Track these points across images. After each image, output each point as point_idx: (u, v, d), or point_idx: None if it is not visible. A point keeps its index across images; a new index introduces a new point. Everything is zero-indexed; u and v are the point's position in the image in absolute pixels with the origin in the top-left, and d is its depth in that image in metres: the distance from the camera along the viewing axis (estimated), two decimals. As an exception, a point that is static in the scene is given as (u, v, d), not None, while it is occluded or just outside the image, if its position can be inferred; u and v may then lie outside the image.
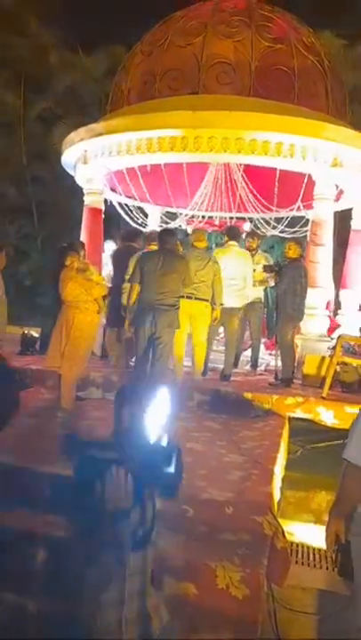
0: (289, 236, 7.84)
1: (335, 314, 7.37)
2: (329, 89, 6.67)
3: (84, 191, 7.28)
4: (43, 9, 20.15)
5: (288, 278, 5.56)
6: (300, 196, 6.80)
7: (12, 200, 17.10)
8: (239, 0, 7.02)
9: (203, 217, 8.60)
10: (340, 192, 7.12)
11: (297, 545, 3.28)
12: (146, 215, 8.97)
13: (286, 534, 3.37)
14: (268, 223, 8.31)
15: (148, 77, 6.83)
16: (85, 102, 14.20)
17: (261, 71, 6.30)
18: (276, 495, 3.66)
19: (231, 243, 5.87)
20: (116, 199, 8.06)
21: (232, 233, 6.00)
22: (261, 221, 8.32)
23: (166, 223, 8.95)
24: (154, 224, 9.12)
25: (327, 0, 14.59)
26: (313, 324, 6.25)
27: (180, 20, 6.99)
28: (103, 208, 7.73)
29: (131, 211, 8.41)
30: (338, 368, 5.66)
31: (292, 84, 6.38)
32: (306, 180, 6.59)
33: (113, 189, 7.85)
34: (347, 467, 2.18)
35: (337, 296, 7.47)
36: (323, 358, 5.83)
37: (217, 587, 2.61)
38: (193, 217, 8.47)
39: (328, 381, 5.29)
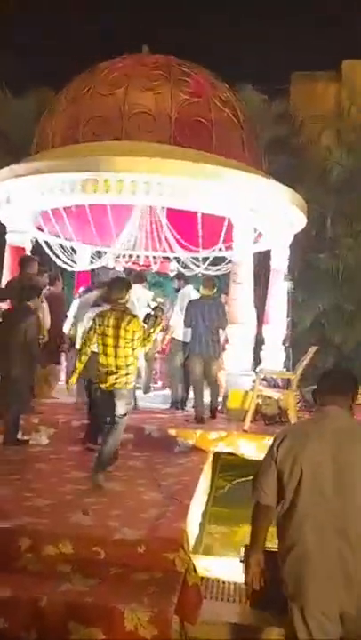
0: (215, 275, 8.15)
1: (260, 349, 7.66)
2: (244, 140, 7.14)
3: (7, 230, 7.25)
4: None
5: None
6: (222, 237, 7.13)
7: None
8: (160, 56, 7.46)
9: (130, 256, 8.75)
10: (259, 235, 7.54)
11: (212, 580, 3.27)
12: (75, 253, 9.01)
13: (203, 570, 3.39)
14: (196, 262, 8.58)
15: (72, 123, 7.03)
16: (15, 144, 14.24)
17: (181, 122, 6.64)
18: (194, 531, 3.68)
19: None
20: (42, 238, 8.05)
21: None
22: (192, 260, 8.58)
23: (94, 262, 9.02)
24: (83, 263, 9.17)
25: (249, 57, 15.87)
26: (235, 359, 6.45)
27: (104, 71, 7.30)
28: (29, 247, 7.69)
29: (64, 250, 8.40)
30: (260, 401, 5.85)
31: (210, 134, 6.78)
32: (226, 223, 6.94)
33: (39, 228, 7.86)
34: (256, 506, 2.23)
35: (261, 332, 7.77)
36: (246, 392, 5.99)
37: (125, 629, 2.56)
38: (119, 256, 8.61)
39: (249, 414, 5.45)
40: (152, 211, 7.94)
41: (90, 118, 6.86)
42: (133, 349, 4.09)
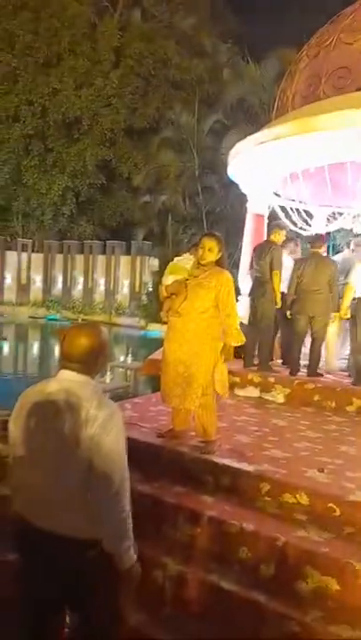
0: None
1: None
2: None
3: (248, 198, 7.56)
4: (216, 26, 21.36)
5: None
6: None
7: (185, 210, 18.41)
8: None
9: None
10: None
11: None
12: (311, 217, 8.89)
13: None
14: None
15: (314, 80, 6.81)
16: (255, 111, 14.53)
17: None
18: None
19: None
20: (279, 203, 8.16)
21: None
22: None
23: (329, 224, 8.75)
24: (319, 226, 8.98)
25: None
26: None
27: (348, 17, 6.82)
28: (267, 213, 7.91)
29: (299, 213, 8.41)
30: None
31: None
32: None
33: (276, 194, 7.98)
34: None
35: None
36: None
37: (359, 585, 2.61)
38: (356, 216, 8.13)
39: None
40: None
41: (332, 71, 6.54)
42: None
